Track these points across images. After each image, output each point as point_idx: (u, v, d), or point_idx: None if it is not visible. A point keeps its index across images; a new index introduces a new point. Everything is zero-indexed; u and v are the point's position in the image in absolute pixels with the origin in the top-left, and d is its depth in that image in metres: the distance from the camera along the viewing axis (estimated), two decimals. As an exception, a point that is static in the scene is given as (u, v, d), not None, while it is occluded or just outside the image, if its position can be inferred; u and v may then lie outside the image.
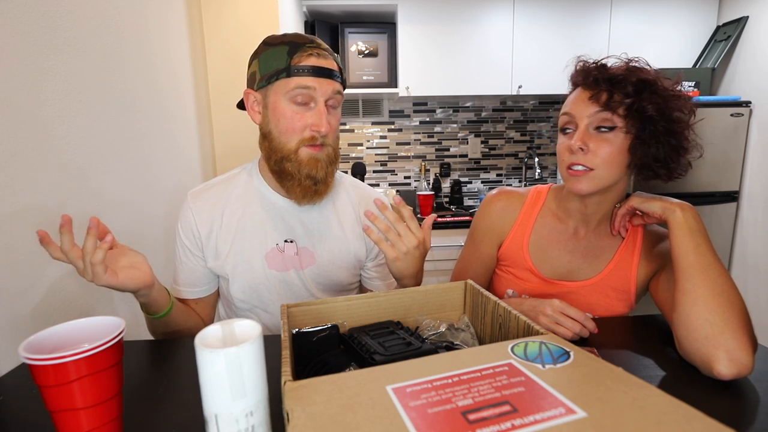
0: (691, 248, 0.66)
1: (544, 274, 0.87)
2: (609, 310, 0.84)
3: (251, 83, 0.81)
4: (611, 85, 0.74)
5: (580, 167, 0.75)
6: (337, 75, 0.79)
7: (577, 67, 0.80)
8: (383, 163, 2.70)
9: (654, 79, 0.74)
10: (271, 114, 0.79)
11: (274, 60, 0.76)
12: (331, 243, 0.88)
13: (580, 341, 0.71)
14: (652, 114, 0.72)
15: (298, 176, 0.79)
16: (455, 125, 2.70)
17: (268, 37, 0.80)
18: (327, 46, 0.80)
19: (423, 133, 2.69)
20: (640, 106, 0.72)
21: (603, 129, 0.75)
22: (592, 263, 0.85)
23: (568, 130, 0.79)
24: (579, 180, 0.76)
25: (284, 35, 0.79)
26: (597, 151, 0.75)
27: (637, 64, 0.76)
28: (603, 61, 0.78)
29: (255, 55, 0.81)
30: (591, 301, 0.84)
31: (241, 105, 0.86)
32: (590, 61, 0.80)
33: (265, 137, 0.81)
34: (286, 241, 0.86)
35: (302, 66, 0.75)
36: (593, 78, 0.76)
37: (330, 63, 0.78)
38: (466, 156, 2.74)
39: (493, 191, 0.96)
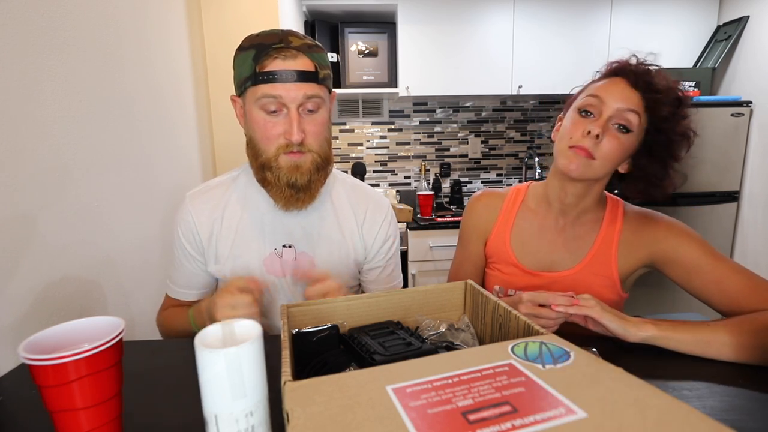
0: (690, 343, 0.66)
1: (527, 267, 0.88)
2: (597, 297, 0.83)
3: (235, 89, 0.79)
4: (660, 93, 0.75)
5: (583, 152, 0.77)
6: (311, 76, 0.72)
7: (628, 59, 0.81)
8: (383, 163, 2.70)
9: (685, 101, 0.76)
10: (248, 122, 0.76)
11: (243, 67, 0.73)
12: (330, 247, 0.86)
13: (579, 341, 0.71)
14: (674, 136, 0.76)
15: (278, 184, 0.76)
16: (455, 125, 2.70)
17: (244, 40, 0.75)
18: (302, 42, 0.73)
19: (423, 133, 2.69)
20: (672, 124, 0.75)
21: (622, 128, 0.76)
22: (574, 252, 0.86)
23: (589, 114, 0.79)
24: (578, 159, 0.77)
25: (257, 35, 0.74)
26: (606, 145, 0.76)
27: (674, 80, 0.78)
28: (648, 67, 0.80)
29: (233, 60, 0.77)
30: (576, 290, 0.84)
31: None
32: (639, 58, 0.81)
33: (248, 144, 0.79)
34: (284, 246, 0.84)
35: (266, 72, 0.70)
36: (643, 81, 0.76)
37: (302, 63, 0.71)
38: (466, 156, 2.74)
39: (476, 193, 0.99)
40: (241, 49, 0.75)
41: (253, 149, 0.77)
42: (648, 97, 0.75)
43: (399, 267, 0.97)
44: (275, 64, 0.71)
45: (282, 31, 0.74)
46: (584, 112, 0.79)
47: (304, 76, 0.72)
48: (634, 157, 0.79)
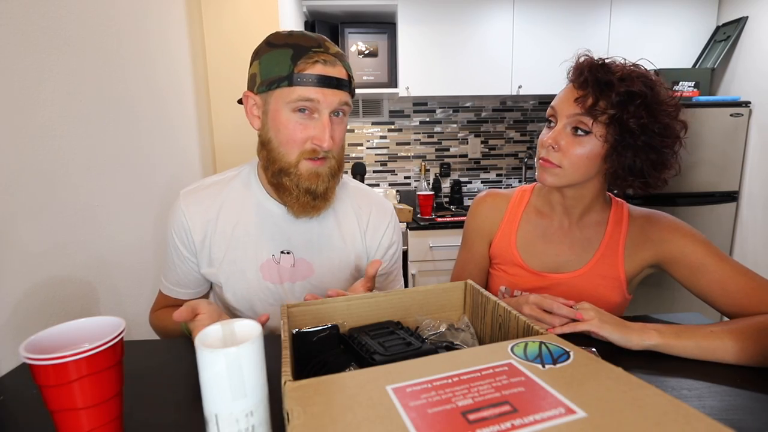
0: (694, 350, 0.65)
1: (533, 268, 0.88)
2: (602, 299, 0.84)
3: (251, 85, 0.75)
4: (599, 90, 0.74)
5: (547, 163, 0.79)
6: (345, 84, 0.73)
7: (575, 62, 0.80)
8: (383, 163, 2.70)
9: (645, 92, 0.73)
10: (271, 122, 0.73)
11: (276, 65, 0.70)
12: (330, 254, 0.84)
13: (579, 341, 0.71)
14: (634, 128, 0.72)
15: (296, 191, 0.74)
16: (455, 125, 2.70)
17: (272, 36, 0.73)
18: (336, 49, 0.74)
19: (423, 133, 2.69)
20: (622, 118, 0.73)
21: (579, 132, 0.76)
22: (580, 254, 0.86)
23: (550, 124, 0.81)
24: (545, 171, 0.80)
25: (290, 34, 0.72)
26: (567, 152, 0.77)
27: (634, 70, 0.75)
28: (605, 61, 0.78)
29: (256, 55, 0.74)
30: (582, 291, 0.85)
31: (241, 101, 0.82)
32: (590, 56, 0.79)
33: (264, 146, 0.76)
34: (282, 252, 0.82)
35: (306, 75, 0.69)
36: (584, 78, 0.75)
37: (338, 71, 0.72)
38: (466, 156, 2.74)
39: (481, 194, 0.99)
40: (271, 45, 0.72)
41: (270, 152, 0.75)
42: (595, 93, 0.74)
43: (401, 271, 0.97)
44: (317, 68, 0.70)
45: (315, 34, 0.73)
46: (548, 122, 0.82)
47: (341, 84, 0.72)
48: (611, 157, 0.76)
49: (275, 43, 0.72)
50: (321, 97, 0.70)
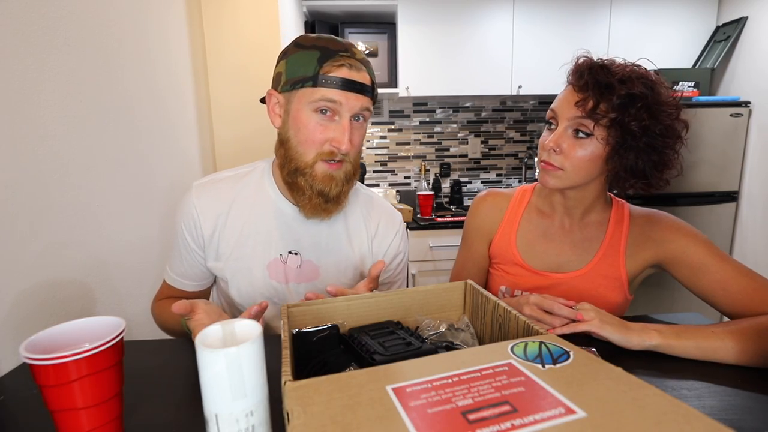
0: (694, 350, 0.65)
1: (534, 267, 0.88)
2: (603, 299, 0.84)
3: (276, 84, 0.76)
4: (599, 93, 0.73)
5: (549, 166, 0.79)
6: (369, 89, 0.74)
7: (574, 64, 0.80)
8: (383, 163, 2.70)
9: (646, 94, 0.72)
10: (291, 121, 0.74)
11: (302, 65, 0.71)
12: (337, 258, 0.85)
13: (579, 341, 0.71)
14: (635, 130, 0.72)
15: (310, 192, 0.75)
16: (455, 125, 2.70)
17: (301, 38, 0.75)
18: (362, 55, 0.75)
19: (423, 133, 2.69)
20: (623, 120, 0.72)
21: (580, 134, 0.76)
22: (581, 255, 0.86)
23: (551, 126, 0.81)
24: (548, 174, 0.80)
25: (318, 37, 0.73)
26: (569, 154, 0.77)
27: (634, 71, 0.75)
28: (605, 61, 0.77)
29: (284, 55, 0.75)
30: (583, 291, 0.85)
31: (264, 99, 0.82)
32: (589, 57, 0.79)
33: (282, 144, 0.77)
34: (290, 252, 0.82)
35: (331, 77, 0.70)
36: (584, 81, 0.75)
37: (362, 76, 0.73)
38: (466, 156, 2.74)
39: (481, 193, 0.99)
40: (299, 45, 0.73)
41: (287, 151, 0.76)
42: (596, 96, 0.73)
43: (405, 281, 0.97)
44: (342, 72, 0.71)
45: (343, 39, 0.75)
46: (548, 124, 0.82)
47: (364, 89, 0.73)
48: (612, 159, 0.76)
49: (303, 44, 0.73)
50: (343, 100, 0.71)
